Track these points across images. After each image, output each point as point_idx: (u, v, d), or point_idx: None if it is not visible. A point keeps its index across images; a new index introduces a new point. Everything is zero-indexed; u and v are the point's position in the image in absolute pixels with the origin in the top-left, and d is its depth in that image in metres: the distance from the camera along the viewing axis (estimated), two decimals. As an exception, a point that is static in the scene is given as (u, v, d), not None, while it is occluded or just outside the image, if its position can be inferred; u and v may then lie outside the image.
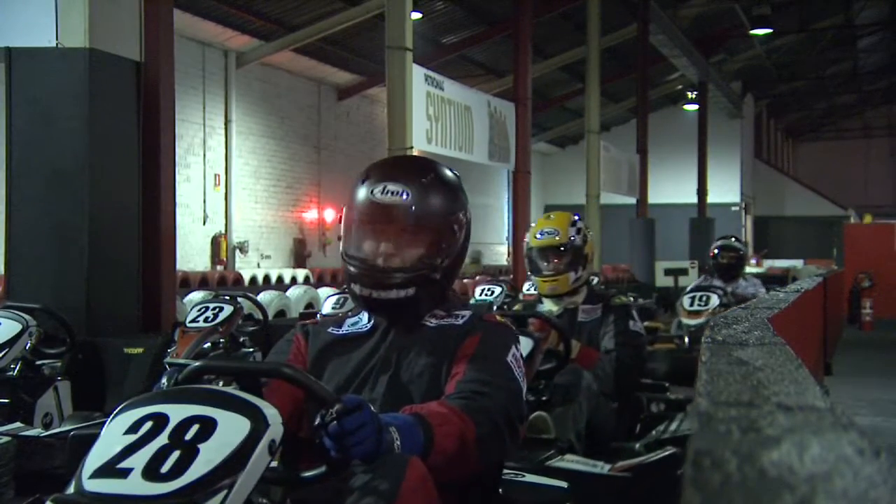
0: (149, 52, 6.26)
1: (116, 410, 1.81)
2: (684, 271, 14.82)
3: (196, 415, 1.73)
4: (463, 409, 2.09)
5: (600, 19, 16.76)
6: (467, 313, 2.34)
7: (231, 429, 1.71)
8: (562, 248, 4.37)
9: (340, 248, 2.32)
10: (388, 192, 2.22)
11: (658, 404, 4.40)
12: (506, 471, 2.53)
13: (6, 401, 4.52)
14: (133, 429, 1.73)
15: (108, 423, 1.79)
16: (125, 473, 1.65)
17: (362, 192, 2.25)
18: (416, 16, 13.87)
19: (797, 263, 24.82)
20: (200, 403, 1.75)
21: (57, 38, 5.85)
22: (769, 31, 21.65)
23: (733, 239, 8.56)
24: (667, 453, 3.30)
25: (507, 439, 2.18)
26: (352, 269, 2.26)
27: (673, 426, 3.95)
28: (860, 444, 0.93)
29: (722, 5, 21.61)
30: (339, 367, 2.31)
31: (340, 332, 2.37)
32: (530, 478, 2.74)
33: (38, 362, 4.94)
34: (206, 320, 5.29)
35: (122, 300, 6.10)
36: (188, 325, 5.30)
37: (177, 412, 1.74)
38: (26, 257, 5.89)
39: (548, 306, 4.43)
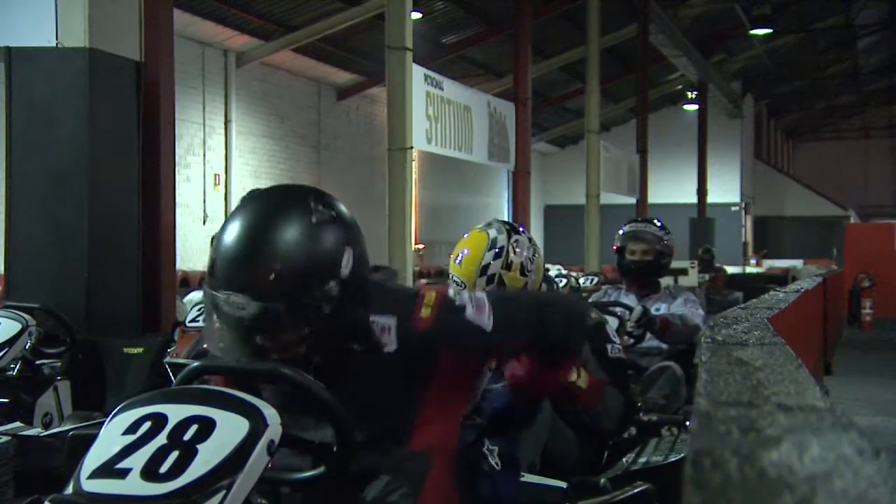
0: (149, 52, 6.26)
1: (115, 410, 1.81)
2: (684, 271, 14.81)
3: (195, 415, 1.73)
4: (552, 361, 2.32)
5: (600, 19, 16.75)
6: (391, 324, 2.07)
7: (230, 429, 1.71)
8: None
9: None
10: (231, 304, 1.93)
11: (628, 428, 3.66)
12: None
13: (6, 400, 4.52)
14: (132, 429, 1.73)
15: (106, 423, 1.79)
16: (124, 474, 1.65)
17: (208, 299, 2.00)
18: (416, 16, 13.86)
19: (797, 263, 24.81)
20: (199, 403, 1.75)
21: (57, 38, 5.85)
22: (769, 31, 21.67)
23: (652, 224, 5.29)
24: (637, 491, 2.76)
25: (574, 314, 2.34)
26: (217, 351, 2.04)
27: (645, 454, 3.35)
28: (860, 444, 0.93)
29: (722, 5, 21.60)
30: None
31: None
32: (529, 478, 2.68)
33: (38, 362, 4.94)
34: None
35: (122, 300, 6.10)
36: (188, 325, 5.30)
37: (175, 412, 1.73)
38: (26, 257, 5.89)
39: None
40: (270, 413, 1.75)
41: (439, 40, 19.20)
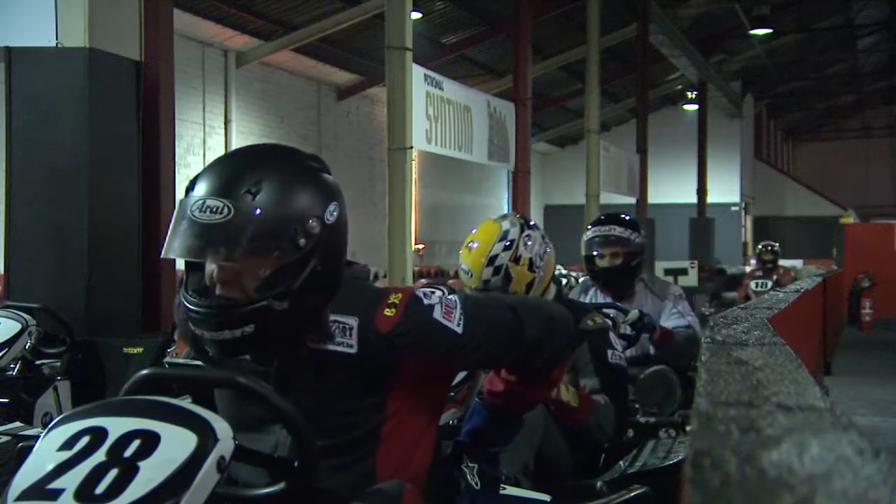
0: (149, 52, 6.26)
1: (52, 424, 1.68)
2: (684, 271, 14.82)
3: (137, 429, 1.59)
4: (536, 373, 2.17)
5: (600, 19, 16.75)
6: (353, 324, 1.96)
7: (175, 444, 1.57)
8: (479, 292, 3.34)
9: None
10: (206, 209, 1.84)
11: (624, 434, 3.59)
12: None
13: (6, 400, 4.52)
14: (68, 445, 1.59)
15: (41, 437, 1.65)
16: (55, 495, 1.51)
17: (179, 207, 1.89)
18: (416, 16, 13.87)
19: (797, 263, 24.81)
20: (143, 416, 1.61)
21: (57, 38, 5.85)
22: (769, 31, 21.65)
23: (617, 224, 4.82)
24: (634, 494, 2.70)
25: (561, 325, 2.16)
26: (186, 305, 1.90)
27: (642, 457, 3.27)
28: (860, 444, 0.93)
29: (722, 5, 21.59)
30: (228, 410, 2.00)
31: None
32: (511, 490, 2.58)
33: (38, 362, 4.94)
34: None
35: (122, 300, 6.10)
36: (188, 325, 5.29)
37: (116, 426, 1.60)
38: (26, 257, 5.89)
39: None
40: (221, 427, 1.62)
41: (439, 40, 19.20)
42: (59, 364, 5.06)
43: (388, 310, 1.96)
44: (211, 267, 1.89)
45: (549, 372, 2.18)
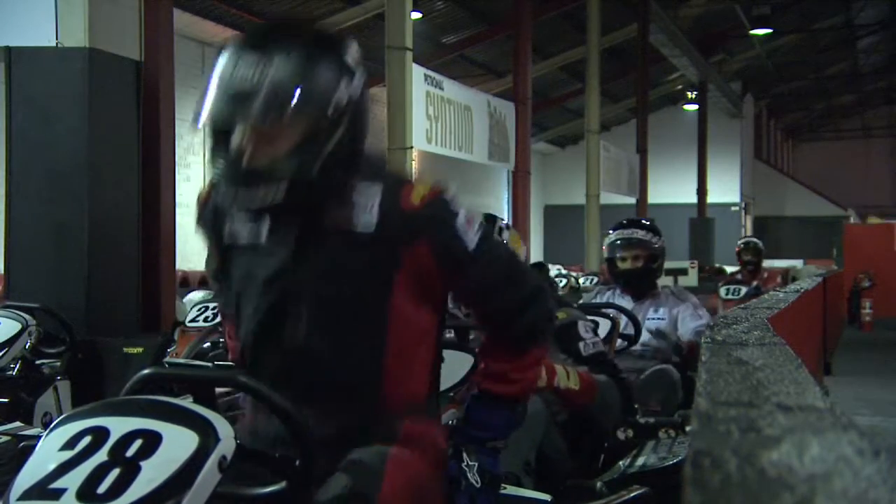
0: (149, 52, 6.26)
1: (54, 423, 1.68)
2: (684, 271, 14.82)
3: (139, 429, 1.59)
4: (516, 343, 2.11)
5: (600, 19, 16.76)
6: (375, 200, 1.98)
7: (177, 444, 1.57)
8: None
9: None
10: (238, 77, 1.88)
11: (625, 430, 3.54)
12: None
13: (6, 400, 4.51)
14: (70, 444, 1.58)
15: (44, 437, 1.65)
16: (58, 494, 1.51)
17: (215, 72, 1.93)
18: (416, 16, 13.87)
19: (797, 263, 24.81)
20: (144, 416, 1.61)
21: (57, 38, 5.85)
22: (769, 31, 21.65)
23: (639, 227, 5.04)
24: (634, 494, 2.70)
25: (544, 299, 2.14)
26: (219, 172, 1.96)
27: (642, 457, 3.26)
28: (860, 444, 0.93)
29: (722, 5, 21.60)
30: (245, 290, 2.05)
31: (235, 240, 2.08)
32: (511, 490, 2.56)
33: (38, 362, 4.94)
34: (205, 320, 5.29)
35: (122, 300, 6.10)
36: (188, 324, 5.30)
37: (118, 426, 1.59)
38: (26, 257, 5.89)
39: None
40: (223, 426, 1.62)
41: (439, 40, 19.20)
42: (59, 364, 5.06)
43: (414, 195, 1.99)
44: (242, 134, 1.92)
45: (527, 344, 2.13)
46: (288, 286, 2.00)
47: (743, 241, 10.66)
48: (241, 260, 2.07)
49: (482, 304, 2.15)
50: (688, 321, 4.85)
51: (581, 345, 3.48)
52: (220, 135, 1.96)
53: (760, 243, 10.24)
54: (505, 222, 3.54)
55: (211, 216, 2.13)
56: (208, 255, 2.23)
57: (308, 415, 1.79)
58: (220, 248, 2.12)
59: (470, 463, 2.14)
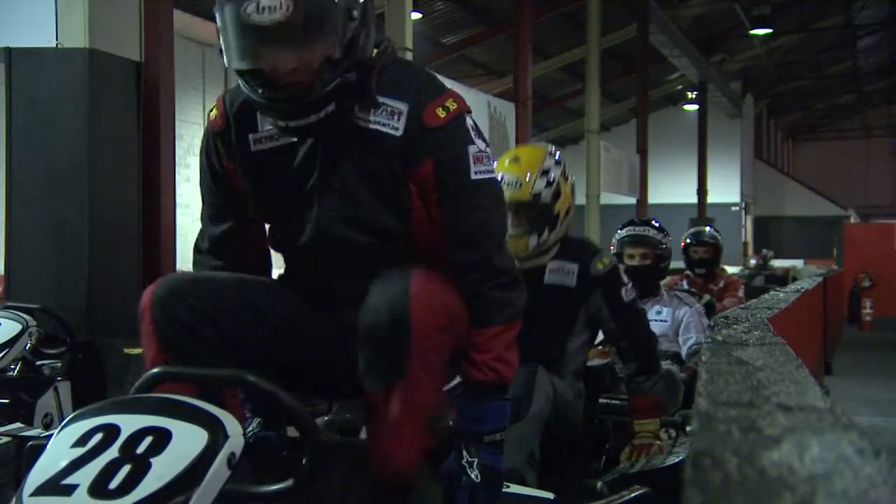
0: (149, 52, 6.26)
1: (66, 421, 1.70)
2: (683, 271, 14.80)
3: (149, 426, 1.61)
4: (493, 314, 2.09)
5: (600, 19, 16.75)
6: (402, 109, 2.05)
7: (186, 441, 1.59)
8: (523, 206, 3.33)
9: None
10: (264, 10, 1.86)
11: (627, 430, 3.53)
12: None
13: (6, 401, 4.51)
14: (81, 441, 1.61)
15: (55, 434, 1.67)
16: (70, 490, 1.53)
17: (230, 14, 1.90)
18: (416, 16, 13.86)
19: (797, 263, 24.81)
20: (154, 414, 1.63)
21: (57, 38, 5.85)
22: (769, 31, 21.64)
23: (650, 227, 5.20)
24: (635, 494, 2.71)
25: (514, 283, 2.14)
26: (257, 100, 2.00)
27: (643, 457, 3.31)
28: (860, 444, 0.93)
29: (722, 5, 21.58)
30: (273, 182, 2.15)
31: (262, 144, 2.15)
32: (515, 488, 2.55)
33: (38, 362, 4.94)
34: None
35: (122, 300, 6.09)
36: (188, 325, 5.29)
37: (129, 423, 1.62)
38: (26, 257, 5.89)
39: None
40: (232, 424, 1.64)
41: (439, 40, 19.19)
42: (59, 364, 5.06)
43: (441, 109, 2.07)
44: (278, 61, 1.91)
45: (487, 314, 2.09)
46: (316, 174, 2.08)
47: (693, 231, 6.87)
48: (275, 162, 2.13)
49: (453, 227, 2.11)
50: (690, 329, 4.85)
51: (623, 290, 3.43)
52: (248, 68, 1.96)
53: (719, 236, 6.78)
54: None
55: (233, 130, 2.16)
56: (210, 173, 2.26)
57: (343, 283, 2.06)
58: (246, 158, 2.16)
59: (470, 459, 2.11)
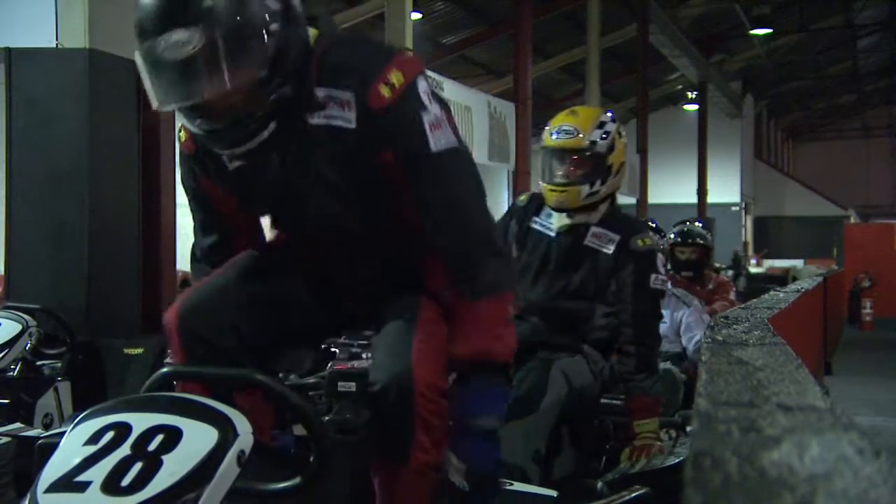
0: (149, 53, 6.25)
1: (78, 419, 1.72)
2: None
3: (160, 424, 1.63)
4: (480, 287, 2.00)
5: (600, 19, 16.76)
6: (349, 98, 1.96)
7: (197, 439, 1.61)
8: (579, 154, 3.46)
9: None
10: (175, 45, 1.78)
11: (627, 430, 3.52)
12: None
13: (6, 401, 4.51)
14: (93, 439, 1.63)
15: (68, 432, 1.69)
16: (83, 487, 1.55)
17: (143, 54, 1.84)
18: (416, 16, 13.86)
19: (797, 263, 24.81)
20: (165, 412, 1.65)
21: (57, 39, 5.85)
22: (769, 31, 21.66)
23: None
24: (634, 495, 2.70)
25: (497, 255, 2.06)
26: (197, 132, 1.94)
27: (643, 457, 3.31)
28: (860, 444, 0.93)
29: (722, 5, 21.59)
30: (257, 192, 2.13)
31: (238, 160, 2.07)
32: (518, 486, 2.56)
33: (38, 363, 4.94)
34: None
35: (122, 300, 6.10)
36: (188, 325, 5.29)
37: (140, 421, 1.64)
38: (26, 257, 5.89)
39: (555, 220, 3.56)
40: (241, 422, 1.66)
41: (439, 40, 19.19)
42: (59, 365, 5.06)
43: (385, 88, 1.94)
44: (198, 95, 1.84)
45: (466, 288, 2.02)
46: (300, 182, 2.04)
47: (679, 230, 6.20)
48: (254, 173, 2.09)
49: (423, 205, 2.04)
50: (693, 327, 4.89)
51: (653, 276, 3.44)
52: (178, 103, 1.91)
53: (709, 235, 6.25)
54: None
55: (201, 151, 2.13)
56: (192, 193, 2.26)
57: (342, 273, 2.10)
58: (224, 177, 2.14)
59: (459, 466, 2.00)
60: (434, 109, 1.99)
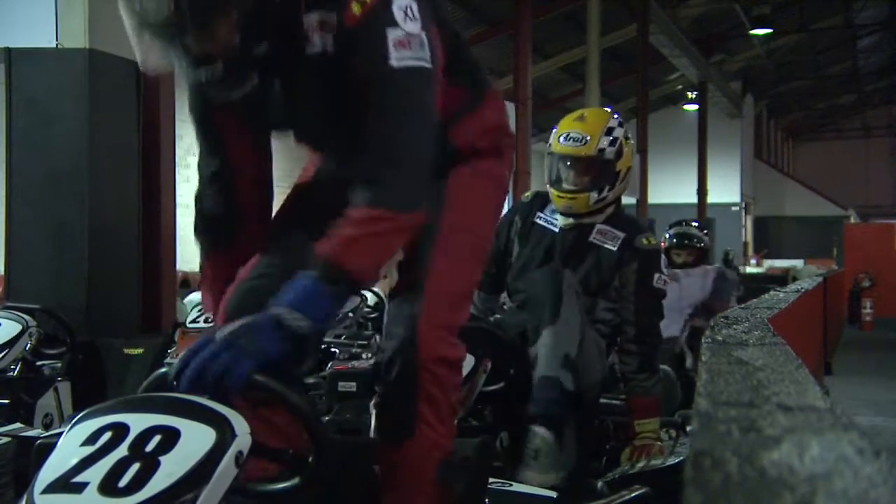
0: (149, 53, 6.26)
1: (75, 420, 1.71)
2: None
3: (158, 425, 1.62)
4: (363, 194, 1.89)
5: (600, 19, 16.75)
6: (332, 20, 1.93)
7: (195, 439, 1.60)
8: (587, 162, 3.50)
9: None
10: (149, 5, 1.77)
11: (627, 430, 3.53)
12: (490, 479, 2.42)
13: (6, 401, 4.51)
14: (91, 440, 1.62)
15: (65, 433, 1.68)
16: (80, 488, 1.54)
17: (126, 13, 1.84)
18: (416, 16, 13.86)
19: (797, 263, 24.81)
20: (163, 412, 1.65)
21: (57, 39, 5.85)
22: (769, 31, 21.67)
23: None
24: (634, 494, 2.71)
25: (420, 167, 1.96)
26: (200, 81, 1.94)
27: (643, 457, 3.32)
28: (860, 444, 0.93)
29: (722, 5, 21.60)
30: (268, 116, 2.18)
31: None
32: (517, 487, 2.58)
33: (38, 363, 4.94)
34: (206, 320, 5.28)
35: (122, 300, 6.10)
36: (188, 325, 5.28)
37: (138, 422, 1.63)
38: (26, 257, 5.89)
39: (561, 218, 3.59)
40: (239, 423, 1.65)
41: (439, 40, 19.19)
42: (59, 365, 5.05)
43: (355, 4, 1.90)
44: (190, 43, 1.81)
45: (363, 192, 1.92)
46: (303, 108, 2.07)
47: (675, 231, 6.25)
48: (265, 98, 2.08)
49: (374, 116, 1.95)
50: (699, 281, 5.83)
51: (656, 276, 3.50)
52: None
53: (705, 237, 6.26)
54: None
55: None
56: (199, 122, 2.29)
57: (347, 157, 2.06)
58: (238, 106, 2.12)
59: (235, 330, 1.78)
60: (409, 27, 1.91)
